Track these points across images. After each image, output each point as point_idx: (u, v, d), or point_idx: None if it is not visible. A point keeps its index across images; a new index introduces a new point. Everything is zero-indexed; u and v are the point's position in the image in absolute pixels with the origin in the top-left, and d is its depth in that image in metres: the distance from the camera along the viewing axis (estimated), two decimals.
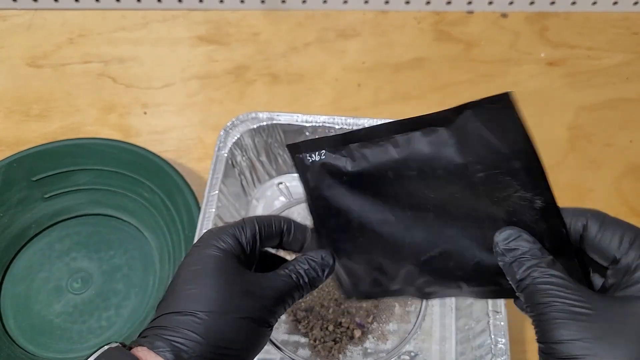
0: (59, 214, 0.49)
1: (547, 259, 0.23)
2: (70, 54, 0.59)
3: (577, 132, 0.53)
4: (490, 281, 0.26)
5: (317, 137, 0.31)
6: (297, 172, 0.29)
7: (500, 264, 0.24)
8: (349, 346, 0.40)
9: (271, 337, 0.32)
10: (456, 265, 0.26)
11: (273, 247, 0.30)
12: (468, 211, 0.25)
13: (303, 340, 0.41)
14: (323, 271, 0.29)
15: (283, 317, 0.41)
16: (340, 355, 0.40)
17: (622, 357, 0.19)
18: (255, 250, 0.28)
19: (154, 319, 0.25)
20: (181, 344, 0.23)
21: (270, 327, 0.27)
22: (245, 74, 0.58)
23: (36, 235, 0.48)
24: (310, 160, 0.28)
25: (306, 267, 0.28)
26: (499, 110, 0.22)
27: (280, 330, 0.41)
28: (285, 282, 0.27)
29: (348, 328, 0.40)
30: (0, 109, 0.56)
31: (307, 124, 0.46)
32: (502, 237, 0.24)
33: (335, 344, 0.40)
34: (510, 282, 0.24)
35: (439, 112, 0.24)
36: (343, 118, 0.46)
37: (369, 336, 0.41)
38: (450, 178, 0.24)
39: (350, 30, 0.61)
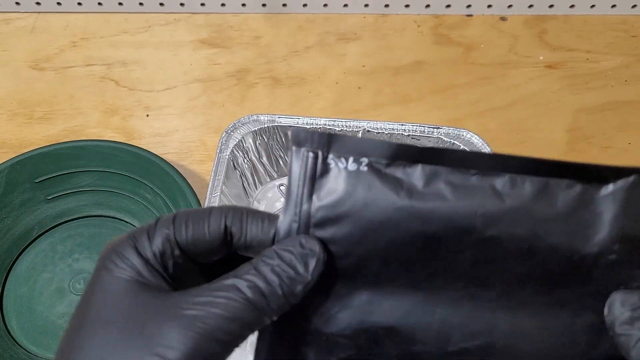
0: (61, 216, 0.49)
1: None
2: (73, 57, 0.60)
3: (575, 135, 0.54)
4: None
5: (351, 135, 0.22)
6: (291, 170, 0.19)
7: (620, 338, 0.18)
8: None
9: None
10: None
11: (221, 257, 0.20)
12: (557, 300, 0.19)
13: None
14: (306, 265, 0.18)
15: None
16: None
17: None
18: (179, 264, 0.19)
19: None
20: None
21: None
22: (247, 77, 0.58)
23: (39, 236, 0.48)
24: (335, 165, 0.19)
25: (275, 262, 0.18)
26: None
27: None
28: (232, 304, 0.17)
29: None
30: (3, 112, 0.56)
31: (308, 126, 0.46)
32: (624, 299, 0.18)
33: None
34: None
35: (587, 164, 0.18)
36: (344, 120, 0.46)
37: None
38: (565, 252, 0.18)
39: (351, 34, 0.62)
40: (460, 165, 0.18)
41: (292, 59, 0.60)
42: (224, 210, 0.19)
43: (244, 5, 0.62)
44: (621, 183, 0.18)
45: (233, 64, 0.59)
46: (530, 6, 0.62)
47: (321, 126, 0.46)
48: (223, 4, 0.62)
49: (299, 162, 0.19)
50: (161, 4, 0.62)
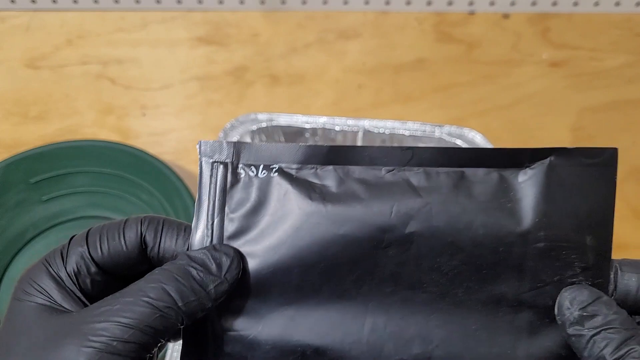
0: (56, 217, 0.48)
1: None
2: (69, 56, 0.59)
3: (579, 134, 0.53)
4: None
5: (263, 142, 0.22)
6: (200, 183, 0.18)
7: (571, 339, 0.17)
8: None
9: None
10: None
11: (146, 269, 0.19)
12: (492, 296, 0.18)
13: None
14: (219, 266, 0.17)
15: None
16: None
17: None
18: (97, 282, 0.18)
19: None
20: None
21: None
22: (245, 75, 0.57)
23: (34, 238, 0.48)
24: (246, 174, 0.18)
25: (185, 262, 0.17)
26: (596, 168, 0.18)
27: None
28: (125, 309, 0.16)
29: None
30: None
31: (307, 125, 0.45)
32: (572, 298, 0.17)
33: None
34: None
35: (501, 149, 0.18)
36: (344, 119, 0.45)
37: None
38: (490, 243, 0.18)
39: (351, 31, 0.61)
40: (373, 162, 0.18)
41: (291, 56, 0.59)
42: (140, 218, 0.18)
43: (242, 2, 0.62)
44: (538, 166, 0.18)
45: (231, 62, 0.58)
46: (534, 4, 0.61)
47: (320, 125, 0.45)
48: (221, 1, 0.61)
49: (208, 174, 0.18)
50: (158, 2, 0.62)
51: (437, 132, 0.45)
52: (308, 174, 0.18)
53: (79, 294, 0.18)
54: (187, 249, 0.18)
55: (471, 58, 0.58)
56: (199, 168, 0.18)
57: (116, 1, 0.62)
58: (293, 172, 0.18)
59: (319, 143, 0.47)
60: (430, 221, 0.18)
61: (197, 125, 0.54)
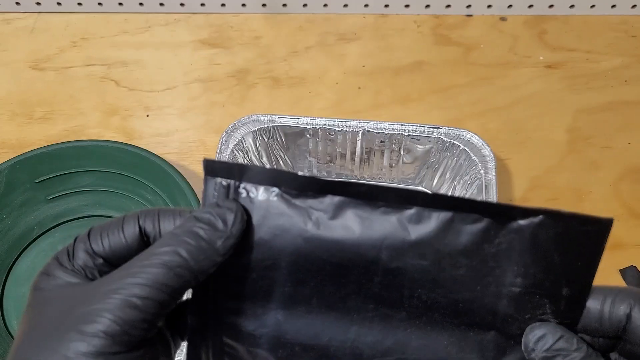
0: (62, 216, 0.49)
1: None
2: (74, 57, 0.60)
3: (576, 135, 0.54)
4: None
5: (268, 166, 0.23)
6: (204, 199, 0.19)
7: None
8: None
9: None
10: None
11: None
12: (465, 321, 0.20)
13: None
14: (225, 222, 0.18)
15: None
16: None
17: None
18: (106, 273, 0.19)
19: None
20: None
21: (152, 343, 0.18)
22: (247, 77, 0.58)
23: (39, 236, 0.48)
24: (247, 194, 0.19)
25: (192, 223, 0.18)
26: (586, 235, 0.18)
27: None
28: (141, 271, 0.17)
29: None
30: (3, 112, 0.56)
31: (308, 126, 0.46)
32: (537, 338, 0.19)
33: None
34: None
35: (496, 203, 0.19)
36: (344, 120, 0.46)
37: None
38: (470, 282, 0.19)
39: (351, 34, 0.62)
40: (368, 197, 0.19)
41: (292, 59, 0.60)
42: (137, 213, 0.20)
43: (244, 5, 0.62)
44: (528, 221, 0.19)
45: (233, 64, 0.59)
46: (530, 6, 0.62)
47: (321, 126, 0.46)
48: (223, 4, 0.62)
49: (211, 191, 0.19)
50: (161, 4, 0.62)
51: (435, 134, 0.46)
52: (305, 201, 0.19)
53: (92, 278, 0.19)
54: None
55: (469, 60, 0.59)
56: (203, 184, 0.20)
57: (120, 3, 0.62)
58: (291, 197, 0.19)
59: (320, 144, 0.48)
60: (416, 259, 0.19)
61: (200, 126, 0.55)
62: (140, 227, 0.19)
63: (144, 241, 0.20)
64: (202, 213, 0.19)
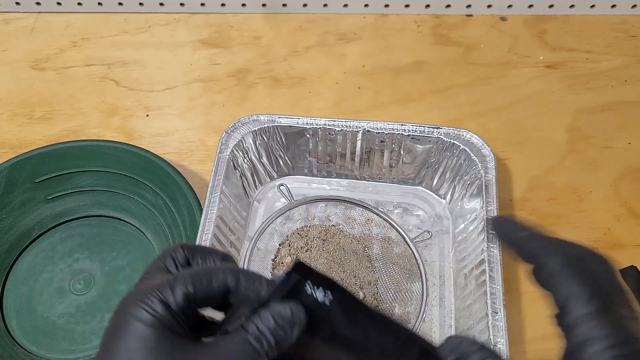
0: (61, 216, 0.49)
1: None
2: (74, 57, 0.60)
3: (576, 135, 0.54)
4: None
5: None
6: (282, 290, 0.24)
7: None
8: None
9: None
10: None
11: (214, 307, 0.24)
12: None
13: None
14: (292, 329, 0.22)
15: None
16: None
17: None
18: (190, 314, 0.22)
19: None
20: None
21: None
22: (247, 77, 0.58)
23: (39, 236, 0.48)
24: (314, 295, 0.24)
25: (271, 324, 0.22)
26: None
27: None
28: (243, 350, 0.21)
29: None
30: (3, 112, 0.56)
31: (308, 126, 0.46)
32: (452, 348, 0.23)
33: None
34: None
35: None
36: (344, 120, 0.46)
37: None
38: None
39: (351, 34, 0.62)
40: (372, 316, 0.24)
41: (292, 59, 0.60)
42: (230, 269, 0.23)
43: (244, 5, 0.62)
44: None
45: (233, 64, 0.59)
46: (530, 6, 0.62)
47: (321, 126, 0.46)
48: (223, 4, 0.62)
49: (288, 282, 0.24)
50: (161, 4, 0.63)
51: (435, 133, 0.46)
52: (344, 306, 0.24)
53: (184, 323, 0.22)
54: (258, 297, 0.23)
55: (469, 60, 0.59)
56: (285, 276, 0.24)
57: (120, 3, 0.63)
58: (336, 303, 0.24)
59: (320, 144, 0.48)
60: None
61: (200, 126, 0.55)
62: (226, 284, 0.23)
63: (227, 293, 0.23)
64: (279, 316, 0.22)
